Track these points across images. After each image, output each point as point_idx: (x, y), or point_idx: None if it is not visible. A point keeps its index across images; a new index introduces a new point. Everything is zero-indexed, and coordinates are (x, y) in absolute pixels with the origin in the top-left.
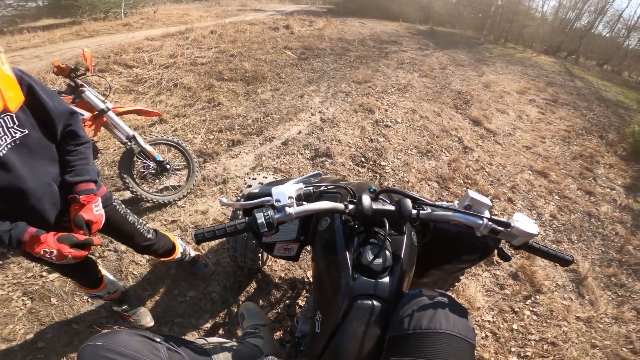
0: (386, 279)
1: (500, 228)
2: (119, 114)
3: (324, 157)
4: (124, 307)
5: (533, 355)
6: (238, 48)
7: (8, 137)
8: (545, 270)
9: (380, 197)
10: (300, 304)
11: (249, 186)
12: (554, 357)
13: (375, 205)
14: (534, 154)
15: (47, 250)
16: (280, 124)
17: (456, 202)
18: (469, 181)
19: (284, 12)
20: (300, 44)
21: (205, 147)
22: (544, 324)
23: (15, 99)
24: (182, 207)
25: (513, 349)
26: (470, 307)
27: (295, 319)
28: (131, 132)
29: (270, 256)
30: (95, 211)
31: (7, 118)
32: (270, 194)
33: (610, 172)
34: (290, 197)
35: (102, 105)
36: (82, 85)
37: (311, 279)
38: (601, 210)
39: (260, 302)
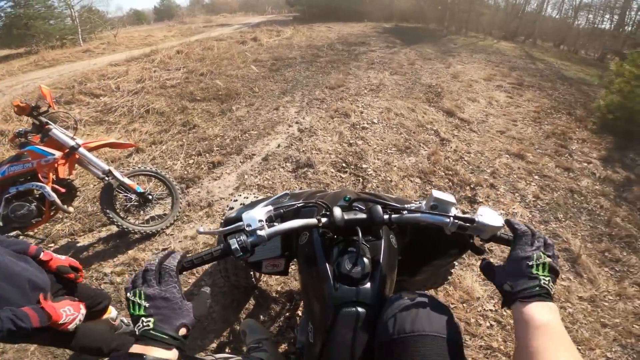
0: (367, 285)
1: (466, 224)
2: (90, 150)
3: (306, 167)
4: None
5: None
6: (207, 66)
7: None
8: None
9: (355, 205)
10: (299, 314)
11: (231, 208)
12: None
13: (347, 216)
14: (508, 138)
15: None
16: (258, 140)
17: (423, 202)
18: (450, 172)
19: (250, 25)
20: (270, 55)
21: (186, 172)
22: None
23: None
24: (171, 234)
25: None
26: (469, 298)
27: (296, 330)
28: (106, 167)
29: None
30: (62, 257)
31: None
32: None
33: (584, 147)
34: (260, 221)
35: (71, 143)
36: (47, 123)
37: None
38: (582, 185)
39: (261, 317)
